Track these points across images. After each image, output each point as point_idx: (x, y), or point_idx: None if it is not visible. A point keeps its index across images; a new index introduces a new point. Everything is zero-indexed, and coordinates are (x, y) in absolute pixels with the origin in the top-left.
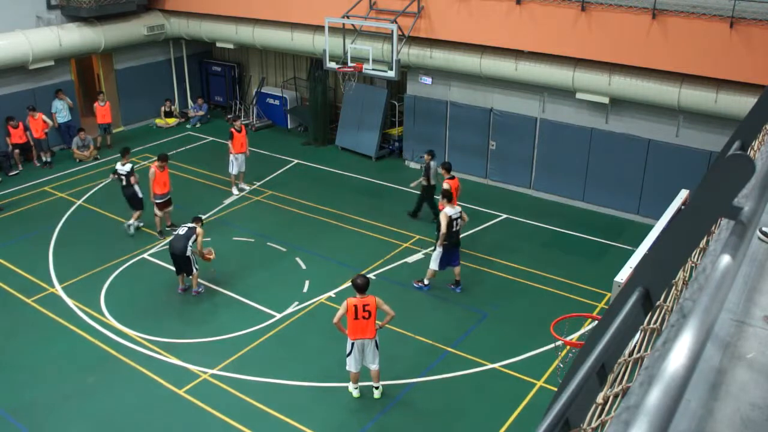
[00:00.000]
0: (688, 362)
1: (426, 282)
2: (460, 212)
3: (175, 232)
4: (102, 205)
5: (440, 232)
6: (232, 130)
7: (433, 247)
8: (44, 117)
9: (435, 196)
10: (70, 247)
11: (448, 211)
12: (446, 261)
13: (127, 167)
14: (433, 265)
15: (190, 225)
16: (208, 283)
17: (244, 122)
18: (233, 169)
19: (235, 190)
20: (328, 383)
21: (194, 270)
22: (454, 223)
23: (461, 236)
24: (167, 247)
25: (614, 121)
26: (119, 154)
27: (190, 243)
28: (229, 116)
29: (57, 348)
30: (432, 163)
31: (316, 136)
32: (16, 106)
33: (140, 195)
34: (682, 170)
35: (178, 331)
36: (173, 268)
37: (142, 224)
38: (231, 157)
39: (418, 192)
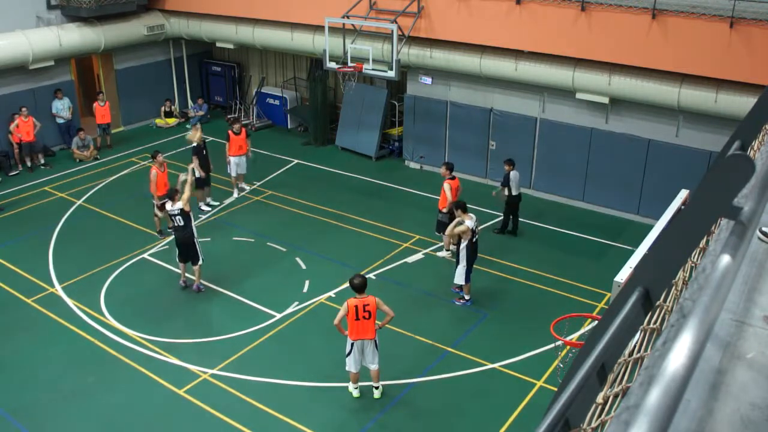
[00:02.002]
0: (688, 362)
1: (467, 297)
2: (477, 221)
3: (173, 225)
4: (102, 205)
5: (461, 246)
6: (230, 132)
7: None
8: (34, 120)
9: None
10: (70, 247)
11: (468, 223)
12: (470, 272)
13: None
14: (462, 281)
15: (176, 211)
16: (208, 283)
17: (243, 123)
18: (232, 171)
19: (235, 192)
20: (328, 383)
21: (200, 259)
22: (473, 234)
23: None
24: (167, 247)
25: (614, 121)
26: (191, 131)
27: (194, 227)
28: (229, 116)
29: (57, 348)
30: (512, 173)
31: (316, 136)
32: (16, 107)
33: (197, 174)
34: (682, 170)
35: (178, 331)
36: (177, 271)
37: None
38: (228, 158)
39: (503, 203)
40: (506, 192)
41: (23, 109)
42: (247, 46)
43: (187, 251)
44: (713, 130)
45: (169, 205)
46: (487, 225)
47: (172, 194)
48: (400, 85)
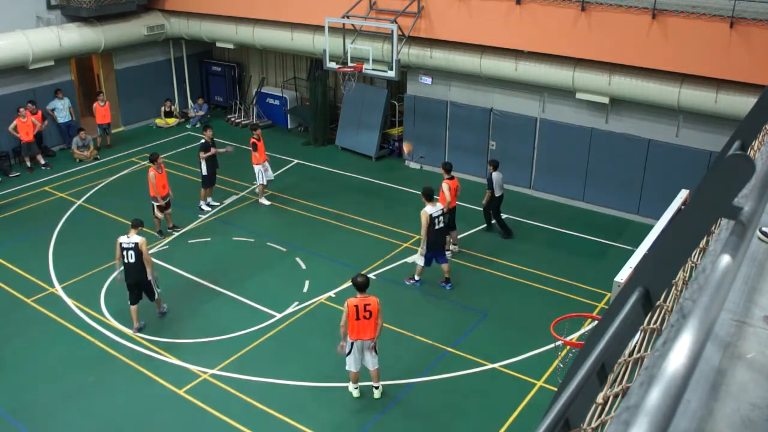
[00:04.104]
0: (688, 362)
1: (417, 278)
2: (442, 210)
3: (126, 261)
4: (102, 205)
5: (422, 233)
6: (253, 140)
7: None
8: (33, 119)
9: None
10: (70, 247)
11: (428, 209)
12: (431, 259)
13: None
14: (420, 261)
15: (131, 244)
16: (209, 283)
17: (244, 123)
18: (263, 179)
19: (265, 201)
20: (328, 383)
21: (156, 294)
22: (436, 221)
23: (461, 235)
24: (167, 247)
25: (614, 121)
26: (203, 132)
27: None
28: (230, 116)
29: (57, 348)
30: (494, 174)
31: (316, 136)
32: (16, 106)
33: (205, 172)
34: (682, 170)
35: (178, 331)
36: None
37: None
38: (258, 167)
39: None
40: (491, 194)
41: (21, 110)
42: (247, 46)
43: (140, 290)
44: (713, 130)
45: (124, 238)
46: (485, 226)
47: (136, 225)
48: (400, 85)
